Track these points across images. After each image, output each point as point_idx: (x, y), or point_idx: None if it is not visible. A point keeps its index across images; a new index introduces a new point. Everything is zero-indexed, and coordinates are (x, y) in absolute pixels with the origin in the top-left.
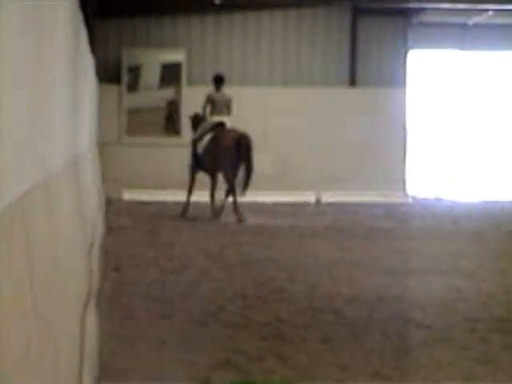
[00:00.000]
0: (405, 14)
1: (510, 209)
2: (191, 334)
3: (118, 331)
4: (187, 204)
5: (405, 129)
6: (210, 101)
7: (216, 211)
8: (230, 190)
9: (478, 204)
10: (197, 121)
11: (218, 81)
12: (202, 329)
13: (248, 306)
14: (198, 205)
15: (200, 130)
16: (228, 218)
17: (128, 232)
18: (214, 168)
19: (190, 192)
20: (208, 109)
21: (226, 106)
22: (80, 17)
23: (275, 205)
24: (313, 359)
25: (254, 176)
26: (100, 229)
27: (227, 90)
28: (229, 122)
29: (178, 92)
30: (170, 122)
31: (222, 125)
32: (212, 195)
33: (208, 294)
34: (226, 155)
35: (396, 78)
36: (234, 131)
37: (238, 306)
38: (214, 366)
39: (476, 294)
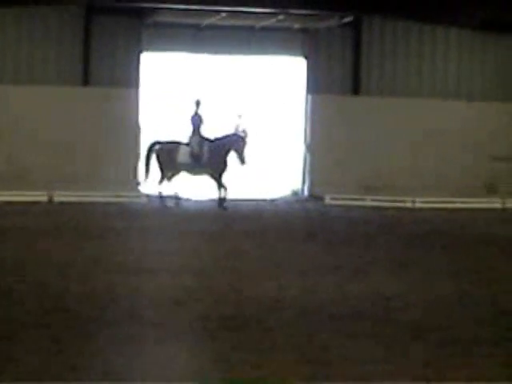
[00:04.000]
0: (139, 14)
1: (242, 208)
2: None
3: None
4: None
5: (138, 128)
6: None
7: None
8: None
9: (209, 202)
10: None
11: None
12: None
13: None
14: None
15: None
16: None
17: None
18: None
19: None
20: None
21: None
22: None
23: (7, 204)
24: (44, 360)
25: None
26: None
27: None
28: None
29: None
30: None
31: None
32: None
33: None
34: None
35: (129, 79)
36: None
37: None
38: None
39: (206, 292)
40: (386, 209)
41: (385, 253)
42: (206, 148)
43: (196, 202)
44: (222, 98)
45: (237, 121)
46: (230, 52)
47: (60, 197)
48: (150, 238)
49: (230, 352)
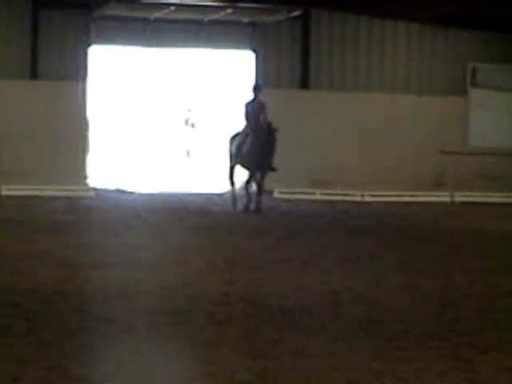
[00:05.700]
0: (87, 6)
1: (190, 202)
2: None
3: None
4: None
5: (86, 122)
6: None
7: None
8: None
9: (157, 195)
10: None
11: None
12: None
13: None
14: None
15: None
16: None
17: None
18: None
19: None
20: None
21: None
22: None
23: None
24: None
25: None
26: None
27: None
28: None
29: None
30: None
31: None
32: None
33: None
34: None
35: (78, 72)
36: None
37: None
38: None
39: (155, 286)
40: (335, 202)
41: (333, 246)
42: (248, 138)
43: (139, 194)
44: (171, 91)
45: (186, 114)
46: (178, 45)
47: (8, 191)
48: (98, 232)
49: (179, 346)
